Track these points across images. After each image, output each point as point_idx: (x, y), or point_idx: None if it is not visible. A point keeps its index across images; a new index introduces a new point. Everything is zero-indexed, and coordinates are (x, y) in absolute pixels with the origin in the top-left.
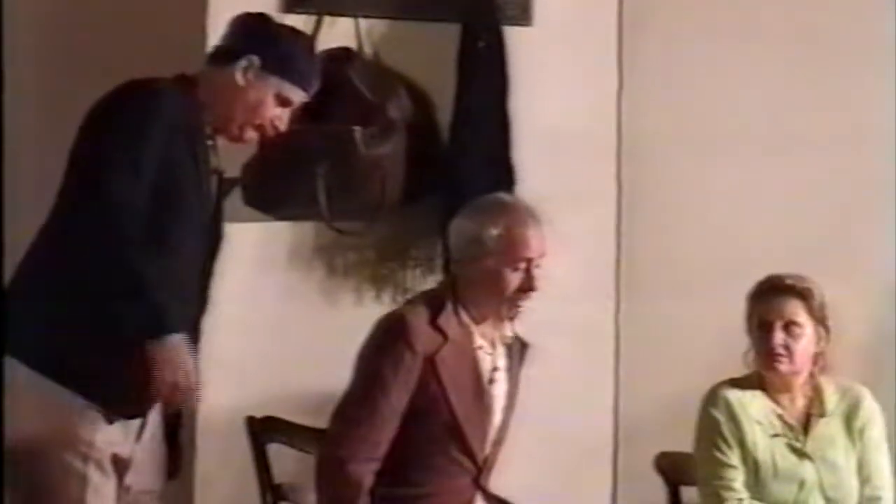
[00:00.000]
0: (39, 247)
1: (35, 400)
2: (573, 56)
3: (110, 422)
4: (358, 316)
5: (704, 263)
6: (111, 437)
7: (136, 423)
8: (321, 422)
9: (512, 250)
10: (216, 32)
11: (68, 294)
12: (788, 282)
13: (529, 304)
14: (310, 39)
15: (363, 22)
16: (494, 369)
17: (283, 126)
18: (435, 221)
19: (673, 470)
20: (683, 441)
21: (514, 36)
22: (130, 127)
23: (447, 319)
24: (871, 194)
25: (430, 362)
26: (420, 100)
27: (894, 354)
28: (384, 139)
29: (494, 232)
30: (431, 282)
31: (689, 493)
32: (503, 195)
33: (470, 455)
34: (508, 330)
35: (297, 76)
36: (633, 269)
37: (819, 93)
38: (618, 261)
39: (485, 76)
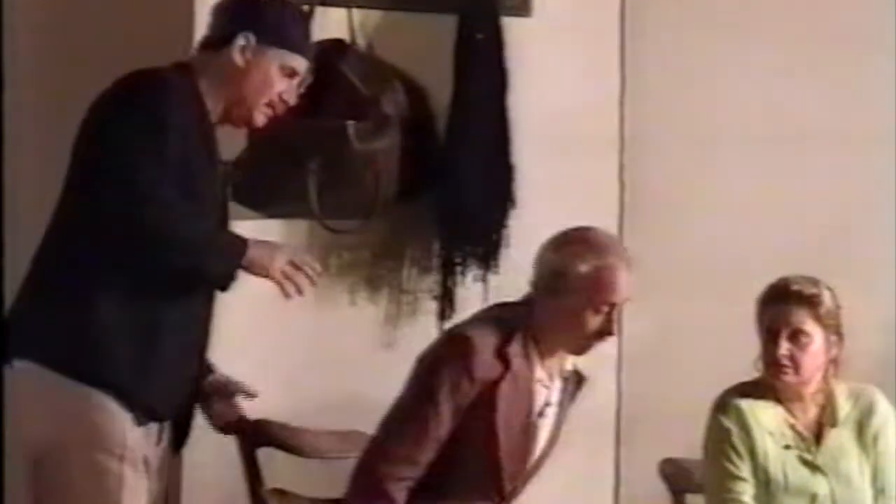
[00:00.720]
0: (58, 247)
1: (65, 403)
2: (574, 49)
3: (139, 423)
4: (352, 316)
5: (709, 262)
6: (140, 438)
7: (156, 426)
8: (314, 423)
9: (598, 293)
10: (203, 22)
11: (102, 291)
12: (795, 288)
13: None
14: (295, 5)
15: (356, 13)
16: (547, 404)
17: (292, 99)
18: (431, 219)
19: (677, 477)
20: (688, 445)
21: (513, 28)
22: (150, 120)
23: (514, 349)
24: (879, 192)
25: (489, 390)
26: (415, 94)
27: None
28: (378, 134)
29: (583, 270)
30: (428, 282)
31: (694, 501)
32: (596, 230)
33: (499, 489)
34: (570, 364)
35: (294, 43)
36: (635, 268)
37: (825, 90)
38: None
39: (483, 70)
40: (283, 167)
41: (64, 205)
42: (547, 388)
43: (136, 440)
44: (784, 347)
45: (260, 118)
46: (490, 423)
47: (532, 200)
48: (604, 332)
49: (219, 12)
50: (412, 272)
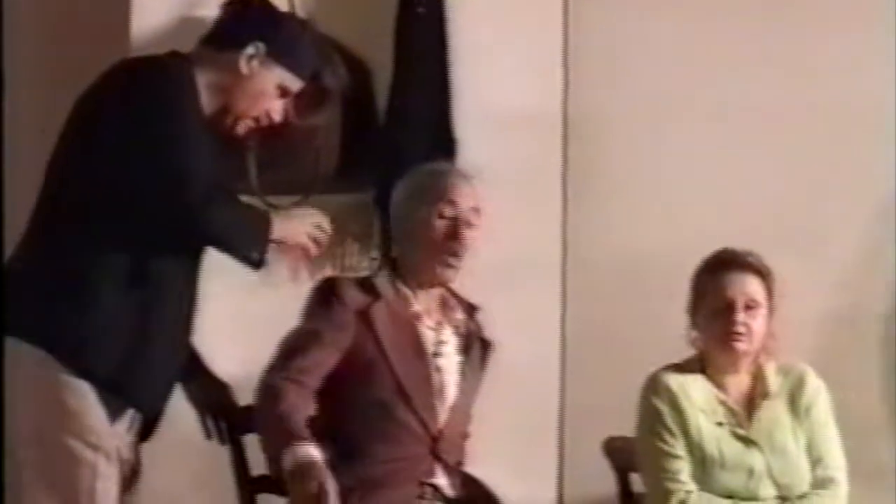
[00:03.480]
0: (53, 231)
1: (46, 388)
2: (517, 23)
3: (113, 421)
4: (293, 294)
5: (655, 243)
6: (115, 428)
7: (129, 416)
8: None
9: (436, 193)
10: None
11: (97, 283)
12: (749, 259)
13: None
14: (312, 27)
15: None
16: (440, 342)
17: (277, 117)
18: (373, 195)
19: (622, 456)
20: (632, 424)
21: (455, 1)
22: (160, 105)
23: (381, 282)
24: (828, 171)
25: (364, 317)
26: (356, 68)
27: (850, 333)
28: (318, 109)
29: (419, 181)
30: (370, 258)
31: (639, 479)
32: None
33: (418, 418)
34: (459, 313)
35: (299, 66)
36: (579, 248)
37: (776, 65)
38: (564, 240)
39: (424, 43)
40: (222, 143)
41: (55, 189)
42: (434, 331)
43: (111, 431)
44: (741, 316)
45: (242, 129)
46: (378, 348)
47: (475, 176)
48: (452, 236)
49: (234, 12)
50: (354, 248)
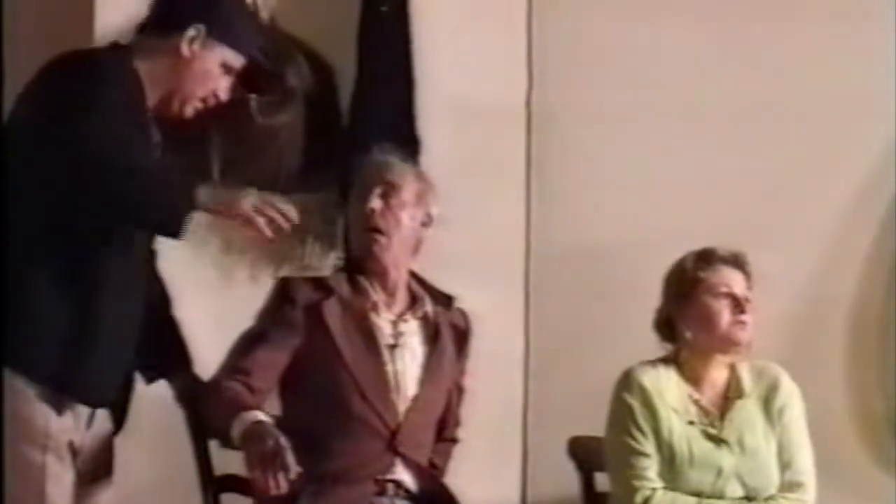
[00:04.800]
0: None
1: None
2: (481, 21)
3: (59, 413)
4: (254, 294)
5: (620, 238)
6: (64, 423)
7: (86, 411)
8: None
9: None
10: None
11: (34, 280)
12: (742, 259)
13: None
14: (247, 3)
15: None
16: (399, 334)
17: (224, 96)
18: (336, 195)
19: (587, 455)
20: (597, 424)
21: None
22: (81, 103)
23: (336, 279)
24: (797, 165)
25: (315, 314)
26: (319, 67)
27: (817, 330)
28: (281, 108)
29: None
30: (333, 258)
31: (603, 479)
32: None
33: (375, 412)
34: (428, 304)
35: (240, 42)
36: (543, 243)
37: (741, 60)
38: (527, 235)
39: (388, 43)
40: (184, 141)
41: None
42: (393, 323)
43: (60, 427)
44: (749, 307)
45: (190, 111)
46: (330, 342)
47: (438, 175)
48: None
49: None
50: (316, 248)
